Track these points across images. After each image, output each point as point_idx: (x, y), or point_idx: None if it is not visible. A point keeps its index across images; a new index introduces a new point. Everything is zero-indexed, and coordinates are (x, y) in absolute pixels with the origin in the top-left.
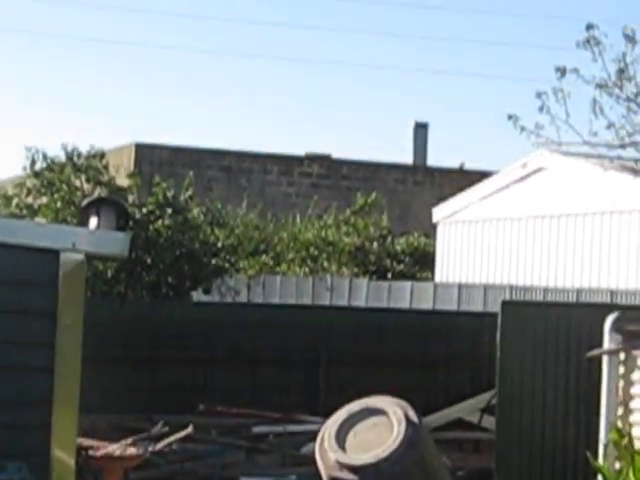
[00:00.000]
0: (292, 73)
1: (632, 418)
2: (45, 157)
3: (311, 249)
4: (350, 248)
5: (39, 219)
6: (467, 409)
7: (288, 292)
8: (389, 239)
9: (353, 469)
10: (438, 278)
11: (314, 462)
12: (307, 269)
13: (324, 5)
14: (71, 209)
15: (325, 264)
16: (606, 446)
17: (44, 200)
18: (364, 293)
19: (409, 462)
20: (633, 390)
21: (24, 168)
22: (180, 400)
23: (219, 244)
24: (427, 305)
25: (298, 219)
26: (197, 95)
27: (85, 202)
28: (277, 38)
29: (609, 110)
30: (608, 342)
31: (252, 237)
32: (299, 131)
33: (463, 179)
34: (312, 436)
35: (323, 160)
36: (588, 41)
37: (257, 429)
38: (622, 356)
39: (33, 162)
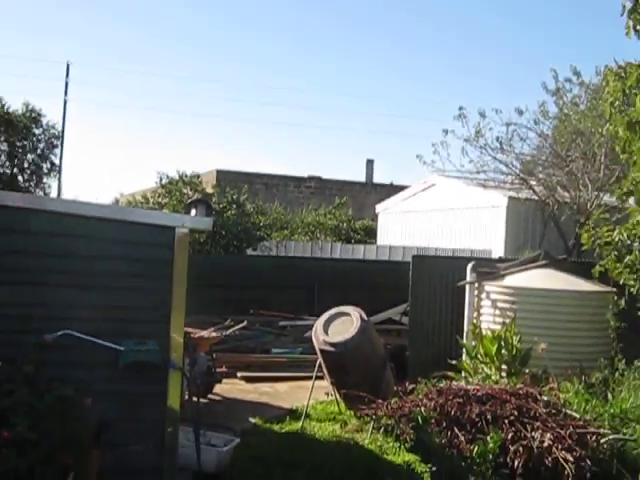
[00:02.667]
0: (299, 119)
1: (481, 318)
2: (167, 176)
3: (310, 227)
4: (331, 226)
5: (164, 211)
6: (393, 313)
7: (297, 250)
8: (352, 222)
9: (332, 344)
10: (379, 242)
11: (311, 341)
12: (308, 238)
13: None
14: (181, 206)
15: (318, 235)
16: (467, 333)
17: (166, 201)
18: (339, 251)
19: (362, 340)
20: (482, 303)
21: (155, 182)
22: (240, 307)
23: (261, 224)
24: (372, 257)
25: (304, 211)
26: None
27: (188, 202)
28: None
29: (471, 153)
30: (469, 277)
31: (279, 220)
32: (303, 161)
33: (393, 190)
34: (310, 327)
35: (317, 179)
36: (459, 116)
37: (281, 323)
38: (476, 285)
39: (161, 179)
